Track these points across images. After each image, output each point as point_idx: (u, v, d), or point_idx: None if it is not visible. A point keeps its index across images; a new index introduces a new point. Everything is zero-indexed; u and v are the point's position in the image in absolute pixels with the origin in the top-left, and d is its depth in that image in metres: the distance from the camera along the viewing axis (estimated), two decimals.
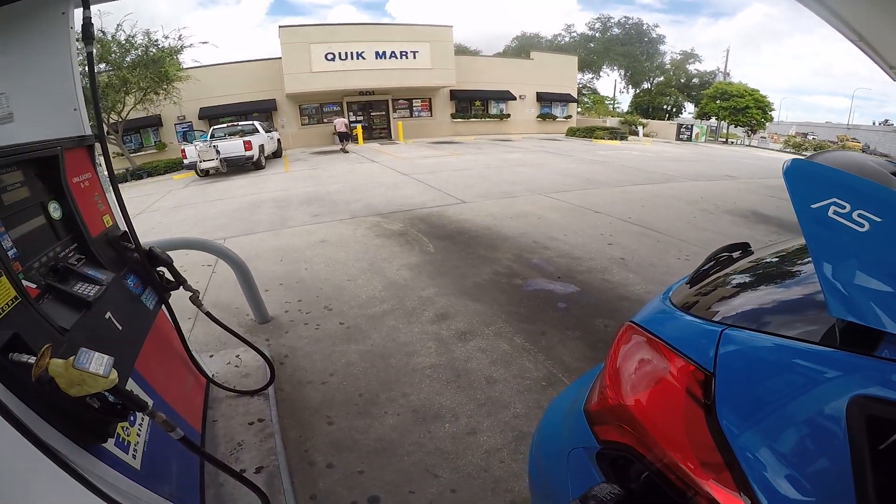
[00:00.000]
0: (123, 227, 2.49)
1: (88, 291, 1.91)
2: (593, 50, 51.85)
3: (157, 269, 2.55)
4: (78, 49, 2.42)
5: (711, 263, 1.54)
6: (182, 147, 17.89)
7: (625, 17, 58.24)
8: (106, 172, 2.44)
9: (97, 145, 2.45)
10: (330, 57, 26.38)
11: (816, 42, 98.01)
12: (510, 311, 4.35)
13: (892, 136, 31.70)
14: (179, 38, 22.17)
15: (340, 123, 23.80)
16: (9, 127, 2.29)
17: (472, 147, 22.75)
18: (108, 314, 1.98)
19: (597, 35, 53.18)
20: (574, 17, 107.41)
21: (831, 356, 0.89)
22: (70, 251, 2.07)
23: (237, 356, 3.56)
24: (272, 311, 4.49)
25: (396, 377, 3.40)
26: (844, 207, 0.85)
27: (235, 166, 17.11)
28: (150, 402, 1.61)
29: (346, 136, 23.40)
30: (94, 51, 2.43)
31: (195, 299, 2.72)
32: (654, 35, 52.24)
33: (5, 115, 2.30)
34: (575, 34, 54.73)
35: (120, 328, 1.99)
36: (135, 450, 1.79)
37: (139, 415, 1.91)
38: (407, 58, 27.75)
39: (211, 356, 3.55)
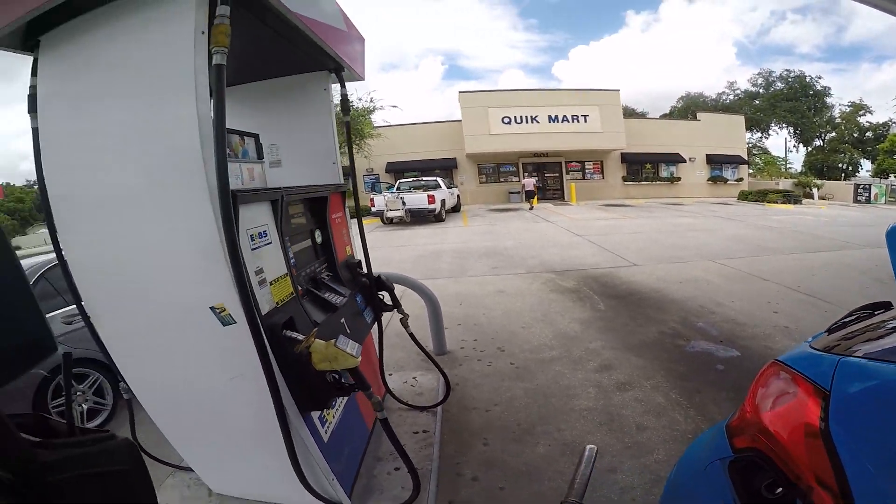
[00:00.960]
0: (359, 257, 3.12)
1: (335, 300, 2.48)
2: (759, 107, 47.89)
3: (379, 293, 3.12)
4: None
5: (852, 317, 1.69)
6: (371, 196, 20.08)
7: (786, 69, 52.38)
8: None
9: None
10: (506, 120, 27.83)
11: None
12: (670, 368, 4.31)
13: None
14: (371, 101, 25.13)
15: (529, 183, 25.44)
16: (277, 170, 3.04)
17: (642, 210, 22.11)
18: (343, 319, 2.52)
19: (760, 91, 49.26)
20: (734, 73, 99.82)
21: None
22: (323, 269, 2.70)
23: (414, 378, 4.04)
24: (449, 347, 4.94)
25: (554, 414, 3.59)
26: None
27: (418, 217, 18.72)
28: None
29: (531, 195, 24.77)
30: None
31: (405, 322, 3.23)
32: (819, 87, 47.05)
33: (275, 160, 3.06)
34: (738, 91, 51.07)
35: (349, 332, 2.52)
36: (328, 426, 2.24)
37: (338, 399, 2.39)
38: (578, 121, 28.24)
39: (390, 375, 4.03)
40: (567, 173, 30.52)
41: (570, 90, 30.16)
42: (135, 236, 1.81)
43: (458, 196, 23.76)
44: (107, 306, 2.02)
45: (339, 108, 3.09)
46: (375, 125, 26.20)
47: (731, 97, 51.18)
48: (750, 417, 1.43)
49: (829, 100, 47.40)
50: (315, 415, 2.12)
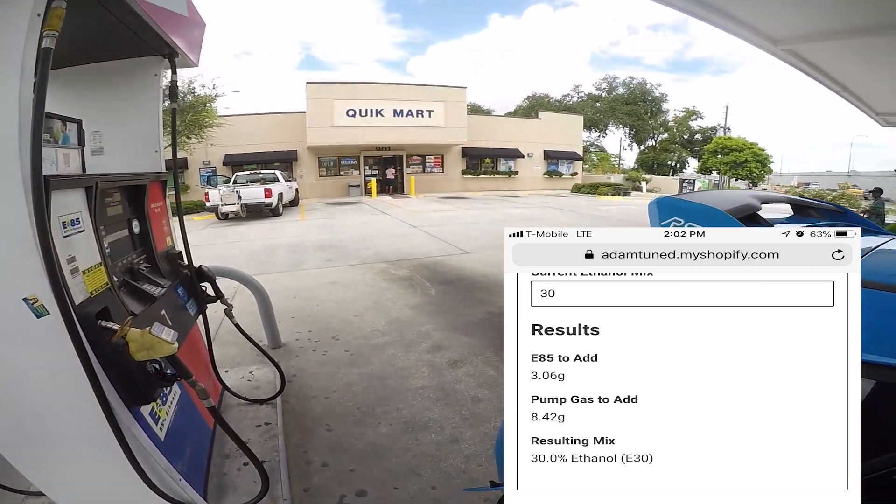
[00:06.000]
0: (180, 247, 3.07)
1: (153, 290, 2.46)
2: (599, 109, 53.10)
3: (202, 284, 3.09)
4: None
5: None
6: (205, 190, 18.84)
7: (630, 77, 59.29)
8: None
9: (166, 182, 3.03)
10: (351, 113, 27.56)
11: (813, 93, 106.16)
12: (499, 345, 4.77)
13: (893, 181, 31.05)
14: (213, 87, 23.52)
15: (390, 172, 30.27)
16: (99, 158, 2.88)
17: (479, 202, 23.48)
18: (163, 311, 2.51)
19: (603, 94, 54.53)
20: (585, 78, 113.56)
21: None
22: (141, 259, 2.64)
23: (250, 372, 4.04)
24: (284, 339, 4.97)
25: (391, 395, 3.85)
26: (681, 222, 1.37)
27: (254, 212, 17.90)
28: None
29: (391, 183, 29.02)
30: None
31: (229, 312, 3.23)
32: (657, 94, 53.53)
33: (97, 148, 2.90)
34: (583, 94, 55.97)
35: (170, 323, 2.51)
36: (162, 423, 2.20)
37: (169, 396, 2.35)
38: (423, 116, 28.89)
39: (226, 371, 3.98)
40: (408, 167, 31.17)
41: (417, 85, 30.90)
42: None
43: (296, 190, 23.15)
44: None
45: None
46: (219, 114, 24.41)
47: (575, 98, 55.63)
48: None
49: (665, 105, 53.53)
50: (146, 411, 2.06)
